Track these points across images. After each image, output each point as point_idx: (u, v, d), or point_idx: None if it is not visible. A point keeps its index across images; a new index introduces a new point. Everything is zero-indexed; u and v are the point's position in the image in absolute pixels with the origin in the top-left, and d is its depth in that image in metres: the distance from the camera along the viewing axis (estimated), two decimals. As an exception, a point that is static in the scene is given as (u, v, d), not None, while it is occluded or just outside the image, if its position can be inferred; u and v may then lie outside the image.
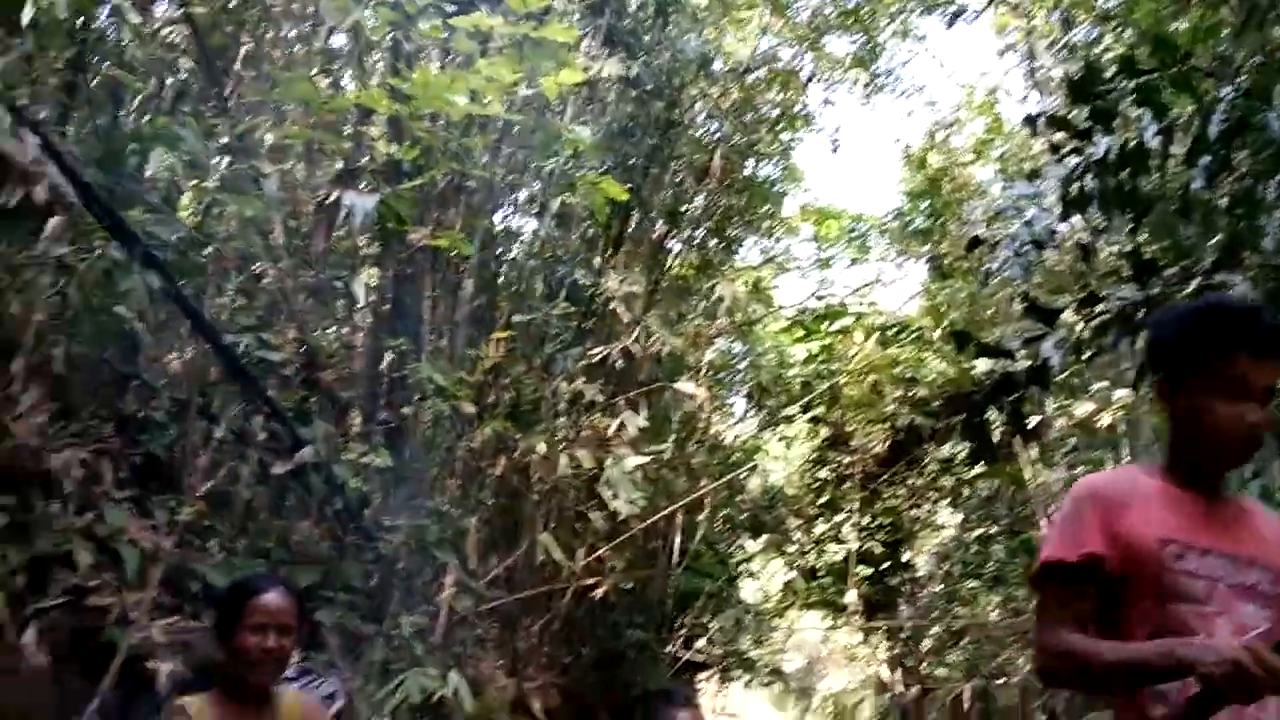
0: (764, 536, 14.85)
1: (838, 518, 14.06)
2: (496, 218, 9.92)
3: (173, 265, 6.37)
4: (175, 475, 7.77)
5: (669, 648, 11.60)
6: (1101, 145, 3.74)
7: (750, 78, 11.61)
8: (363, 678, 6.44)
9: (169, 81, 7.42)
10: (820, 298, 15.59)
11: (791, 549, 14.77)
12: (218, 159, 7.08)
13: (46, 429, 6.79)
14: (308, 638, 6.84)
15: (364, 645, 6.89)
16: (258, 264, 7.42)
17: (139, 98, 7.22)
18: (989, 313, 13.28)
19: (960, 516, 14.17)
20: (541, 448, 8.41)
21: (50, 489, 6.67)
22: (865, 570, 13.68)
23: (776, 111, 12.52)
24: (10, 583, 5.91)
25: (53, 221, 5.47)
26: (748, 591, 14.92)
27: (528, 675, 9.06)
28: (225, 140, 7.24)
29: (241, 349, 6.89)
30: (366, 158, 8.47)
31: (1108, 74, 4.06)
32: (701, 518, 11.10)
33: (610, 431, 9.09)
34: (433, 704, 6.68)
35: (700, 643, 12.59)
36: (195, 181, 6.78)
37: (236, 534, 7.89)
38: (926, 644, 13.64)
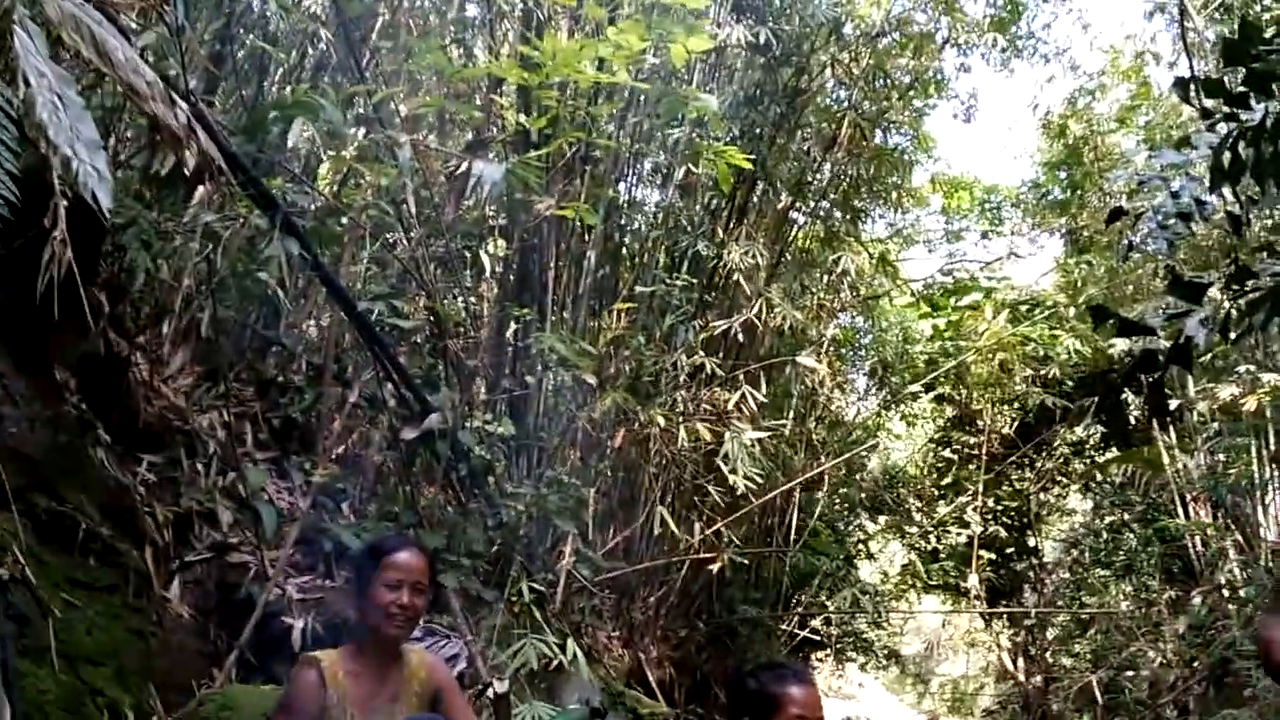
0: (883, 517, 14.61)
1: (961, 499, 13.69)
2: (621, 188, 9.91)
3: (311, 233, 6.53)
4: (311, 438, 8.03)
5: (784, 625, 11.54)
6: (1258, 112, 3.47)
7: (882, 42, 11.25)
8: (484, 641, 6.56)
9: (310, 53, 7.60)
10: (949, 272, 15.17)
11: (912, 530, 14.48)
12: (355, 129, 7.23)
13: (193, 391, 7.09)
14: (432, 600, 7.02)
15: (485, 610, 7.02)
16: (391, 233, 7.56)
17: (281, 69, 7.41)
18: (1128, 289, 12.71)
19: (1091, 502, 13.67)
20: (661, 420, 8.40)
21: (195, 449, 6.97)
22: (989, 555, 13.32)
23: (908, 78, 12.12)
24: (158, 537, 6.19)
25: (200, 190, 5.66)
26: (866, 572, 14.70)
27: (643, 646, 9.12)
28: (362, 110, 7.38)
29: (374, 316, 7.03)
30: (496, 127, 8.54)
31: (1266, 34, 3.77)
32: (820, 495, 10.97)
33: (729, 405, 9.03)
34: (550, 670, 6.78)
35: (816, 622, 12.47)
36: (333, 151, 6.93)
37: (367, 497, 8.12)
38: (1052, 632, 13.25)
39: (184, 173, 5.40)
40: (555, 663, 6.61)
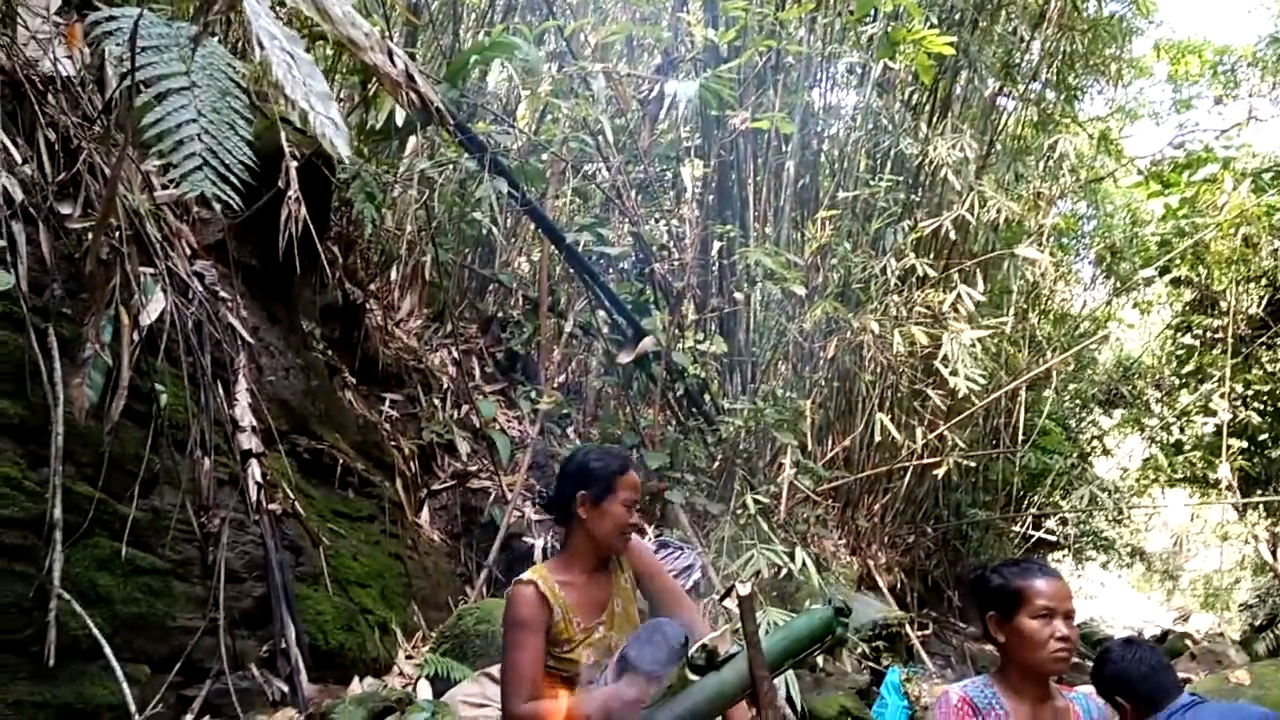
0: (1119, 411, 13.88)
1: (1205, 387, 12.78)
2: (815, 94, 9.68)
3: (517, 172, 6.76)
4: (533, 369, 8.43)
5: (1016, 527, 11.25)
6: None
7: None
8: (714, 552, 6.74)
9: (499, -3, 7.78)
10: (1179, 145, 14.01)
11: (1152, 422, 13.68)
12: (548, 65, 7.38)
13: (423, 332, 7.55)
14: (660, 515, 7.28)
15: (712, 523, 7.21)
16: (590, 164, 7.71)
17: (474, 14, 7.63)
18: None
19: (1356, 380, 12.50)
20: (874, 326, 8.27)
21: (430, 385, 7.45)
22: (1239, 443, 12.43)
23: (1121, -64, 11.18)
24: (405, 469, 6.69)
25: (411, 141, 5.96)
26: (1103, 469, 14.07)
27: (870, 553, 9.14)
28: (553, 46, 7.52)
29: (582, 247, 7.24)
30: (685, 46, 8.51)
31: None
32: (1048, 393, 10.54)
33: (945, 306, 8.78)
34: (780, 579, 6.91)
35: (1050, 522, 12.09)
36: (530, 89, 7.11)
37: (590, 421, 8.47)
38: (1313, 520, 12.29)
39: (396, 125, 5.72)
40: (785, 571, 6.73)
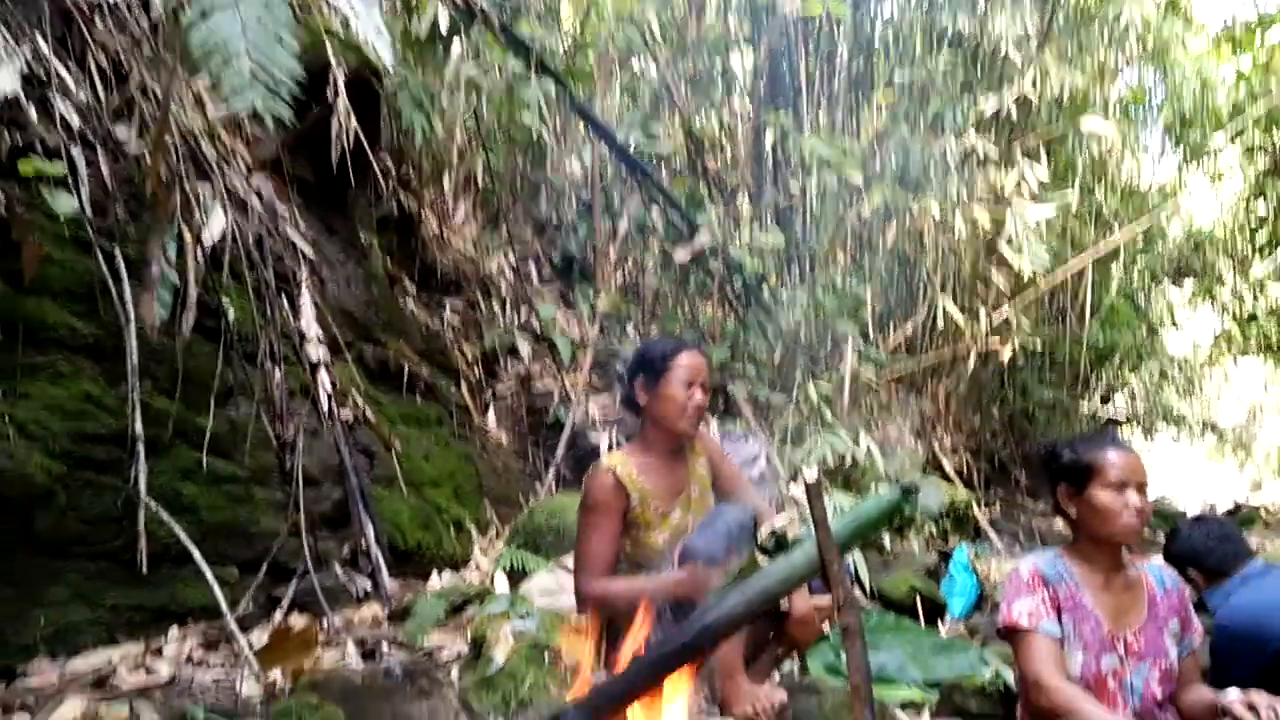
0: (1190, 283, 13.53)
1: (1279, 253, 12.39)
2: (868, -29, 9.34)
3: (564, 72, 6.67)
4: (590, 270, 8.43)
5: (1084, 405, 11.13)
6: None
7: None
8: (778, 442, 6.78)
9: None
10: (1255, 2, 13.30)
11: (1224, 294, 13.33)
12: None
13: (479, 238, 7.58)
14: (723, 408, 7.32)
15: (775, 413, 7.23)
16: (638, 59, 7.57)
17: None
18: None
19: None
20: (935, 210, 8.10)
21: (489, 290, 7.52)
22: (1315, 310, 12.06)
23: None
24: (469, 373, 6.80)
25: (456, 45, 5.89)
26: (1173, 343, 13.79)
27: (935, 436, 9.12)
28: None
29: (633, 146, 7.15)
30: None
31: None
32: (1116, 269, 10.29)
33: (1008, 186, 8.55)
34: (845, 466, 6.94)
35: (1119, 398, 11.94)
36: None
37: (649, 319, 8.48)
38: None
39: (440, 31, 5.65)
40: (849, 459, 6.76)
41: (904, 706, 4.24)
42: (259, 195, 4.59)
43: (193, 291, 3.63)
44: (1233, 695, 2.38)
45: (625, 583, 3.00)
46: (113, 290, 3.41)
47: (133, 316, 3.40)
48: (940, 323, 8.23)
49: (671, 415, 3.15)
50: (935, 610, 5.95)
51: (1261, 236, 12.69)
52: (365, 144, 4.85)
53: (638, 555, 3.12)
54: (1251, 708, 2.30)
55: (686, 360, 3.18)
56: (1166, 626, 2.64)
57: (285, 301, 4.57)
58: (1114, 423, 11.59)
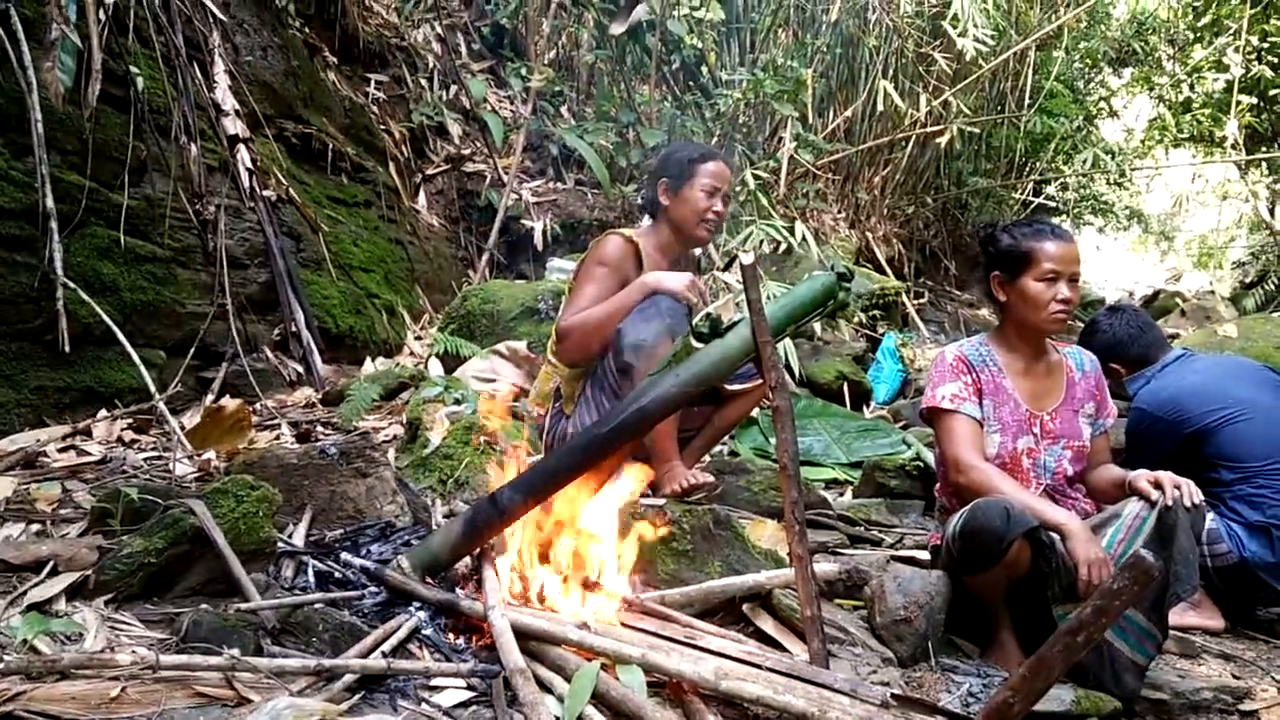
0: (1129, 70, 13.37)
1: (1220, 40, 12.22)
2: None
3: None
4: (522, 44, 8.06)
5: (1016, 194, 11.17)
6: None
7: None
8: (714, 231, 6.73)
9: None
10: None
11: (1162, 81, 13.20)
12: None
13: (403, 6, 7.15)
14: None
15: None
16: None
17: None
18: None
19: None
20: (881, -17, 7.81)
21: (415, 65, 7.16)
22: (1249, 100, 12.03)
23: None
24: (398, 153, 6.56)
25: None
26: (1108, 131, 13.76)
27: (870, 226, 9.14)
28: None
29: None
30: None
31: None
32: (1058, 53, 10.11)
33: (956, -38, 8.23)
34: (779, 254, 6.96)
35: (1051, 188, 11.99)
36: None
37: (584, 99, 8.20)
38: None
39: None
40: (784, 247, 6.77)
41: (828, 485, 4.43)
42: (162, -48, 4.23)
43: (97, 57, 3.38)
44: (1141, 473, 2.49)
45: (593, 308, 3.05)
46: (10, 54, 3.16)
47: (35, 83, 3.17)
48: (880, 107, 8.08)
49: (690, 220, 3.21)
50: (861, 396, 6.14)
51: (1204, 19, 12.47)
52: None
53: None
54: (1157, 484, 2.41)
55: (712, 169, 3.22)
56: (1082, 409, 2.73)
57: (198, 71, 4.31)
58: (1044, 211, 11.68)
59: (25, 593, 2.02)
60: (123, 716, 1.58)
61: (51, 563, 2.12)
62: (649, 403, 2.28)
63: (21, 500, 2.62)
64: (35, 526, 2.46)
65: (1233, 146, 11.72)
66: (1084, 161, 10.53)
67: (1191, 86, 12.92)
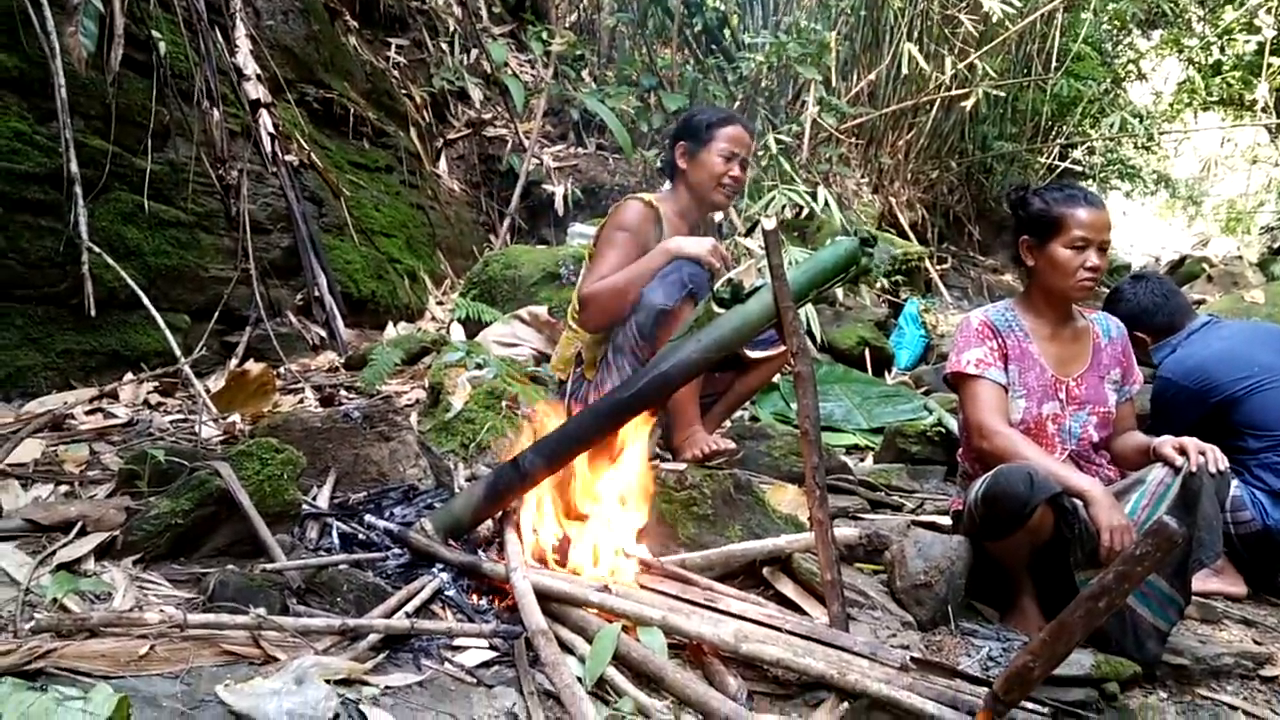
0: (1158, 32, 13.14)
1: (1252, 1, 11.99)
2: None
3: None
4: (543, 7, 8.00)
5: (1042, 158, 11.02)
6: None
7: None
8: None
9: None
10: None
11: (1191, 43, 12.97)
12: None
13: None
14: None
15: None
16: None
17: None
18: None
19: None
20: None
21: (436, 29, 7.12)
22: (1280, 61, 11.82)
23: None
24: (419, 118, 6.55)
25: None
26: (1136, 94, 13.54)
27: (893, 190, 9.07)
28: None
29: None
30: None
31: None
32: (1086, 14, 9.94)
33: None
34: (802, 219, 6.91)
35: (1078, 152, 11.83)
36: None
37: (605, 63, 8.14)
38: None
39: None
40: (806, 211, 6.72)
41: (849, 450, 4.43)
42: (181, -85, 4.21)
43: (119, 21, 3.38)
44: (1166, 439, 2.47)
45: (615, 274, 3.05)
46: (33, 18, 3.16)
47: (58, 48, 3.17)
48: (905, 70, 7.99)
49: (707, 184, 3.20)
50: (883, 361, 6.12)
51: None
52: None
53: None
54: (1182, 451, 2.39)
55: (730, 133, 3.20)
56: (1108, 375, 2.70)
57: (219, 35, 4.30)
58: (1070, 175, 11.52)
59: (54, 552, 2.05)
60: (151, 673, 1.61)
61: (80, 523, 2.15)
62: (670, 368, 2.28)
63: (50, 462, 2.66)
64: (64, 488, 2.49)
65: (1263, 110, 11.52)
66: (1111, 125, 10.37)
67: (1222, 49, 12.69)
